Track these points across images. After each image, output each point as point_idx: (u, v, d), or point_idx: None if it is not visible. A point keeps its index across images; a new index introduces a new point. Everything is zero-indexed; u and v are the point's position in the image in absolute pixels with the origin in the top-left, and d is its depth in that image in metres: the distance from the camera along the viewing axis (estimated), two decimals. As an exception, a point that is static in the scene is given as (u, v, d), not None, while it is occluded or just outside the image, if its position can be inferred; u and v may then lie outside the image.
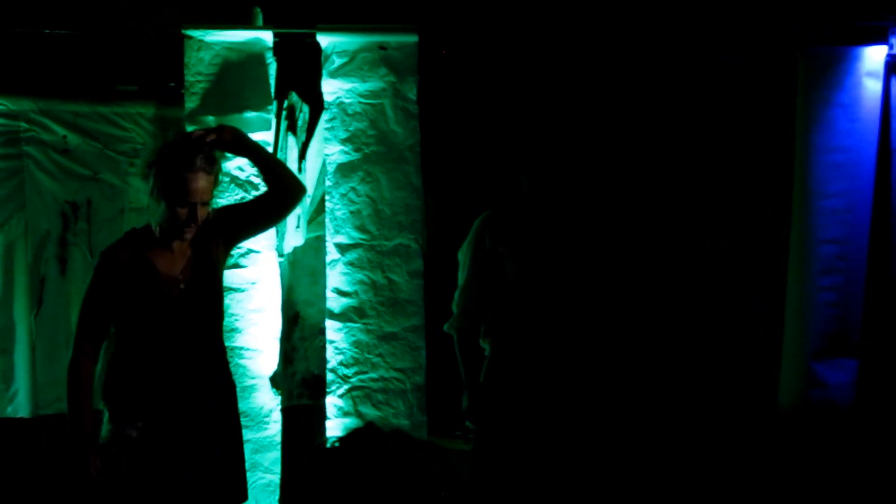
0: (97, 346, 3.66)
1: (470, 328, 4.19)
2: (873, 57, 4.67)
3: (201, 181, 3.57)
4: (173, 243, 3.68)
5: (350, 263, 4.62)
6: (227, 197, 4.53)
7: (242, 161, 4.50)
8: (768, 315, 4.89)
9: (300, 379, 5.12)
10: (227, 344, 4.52)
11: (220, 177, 4.48)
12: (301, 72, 4.77)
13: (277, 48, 4.65)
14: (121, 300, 3.62)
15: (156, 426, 3.62)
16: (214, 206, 4.46)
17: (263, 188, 4.53)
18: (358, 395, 4.59)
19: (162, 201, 3.57)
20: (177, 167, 3.55)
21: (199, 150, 3.60)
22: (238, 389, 4.51)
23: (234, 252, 4.55)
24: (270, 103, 4.65)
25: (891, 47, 4.67)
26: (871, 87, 4.67)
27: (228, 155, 4.49)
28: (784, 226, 4.77)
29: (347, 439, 2.57)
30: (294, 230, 4.88)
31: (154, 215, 3.63)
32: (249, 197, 4.48)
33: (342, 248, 4.63)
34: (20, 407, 4.89)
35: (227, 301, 4.55)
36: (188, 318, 3.69)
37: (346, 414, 4.57)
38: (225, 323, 4.53)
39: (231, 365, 4.52)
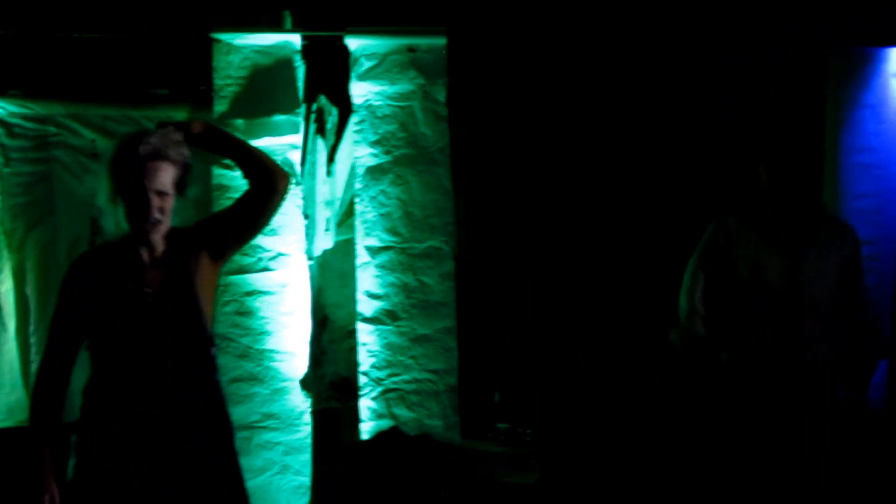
0: (66, 364, 3.37)
1: (702, 336, 4.09)
2: (900, 58, 4.72)
3: (155, 168, 3.25)
4: (143, 252, 3.35)
5: (381, 266, 4.62)
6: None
7: None
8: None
9: (329, 381, 5.12)
10: (257, 347, 4.55)
11: None
12: (330, 74, 4.77)
13: (306, 51, 4.65)
14: (88, 316, 3.33)
15: (126, 460, 3.31)
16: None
17: (292, 191, 4.57)
18: (392, 397, 4.58)
19: (118, 197, 3.30)
20: (130, 156, 3.26)
21: (153, 137, 3.29)
22: (269, 392, 4.56)
23: (264, 255, 4.56)
24: (299, 106, 4.64)
25: (918, 48, 4.72)
26: (898, 88, 4.71)
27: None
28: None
29: (371, 443, 2.57)
30: (323, 233, 4.88)
31: (113, 220, 3.37)
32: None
33: (373, 251, 4.62)
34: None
35: (256, 304, 4.56)
36: (157, 334, 3.34)
37: (379, 416, 4.57)
38: (256, 325, 4.55)
39: (262, 368, 4.55)
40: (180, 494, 3.33)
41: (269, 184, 3.45)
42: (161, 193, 3.27)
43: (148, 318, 3.31)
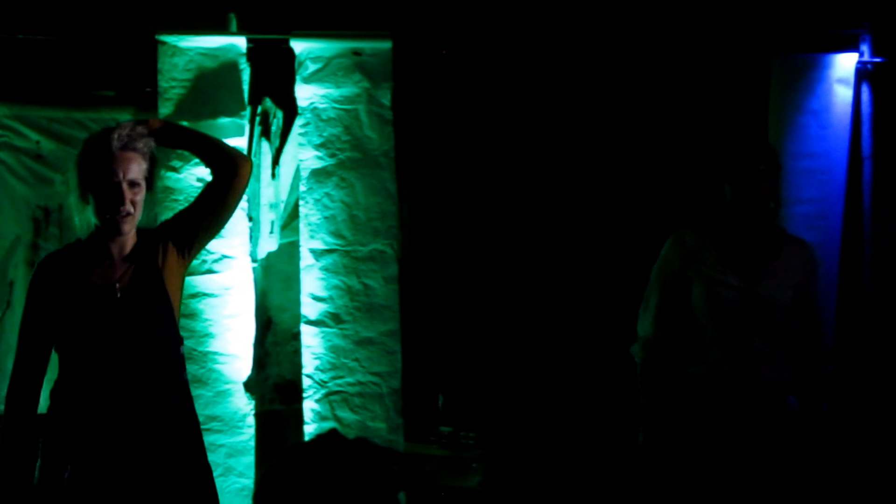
0: (38, 367, 3.35)
1: (658, 354, 4.03)
2: (844, 64, 4.73)
3: (127, 159, 3.28)
4: (112, 248, 3.36)
5: (325, 269, 4.63)
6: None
7: None
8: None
9: (272, 384, 5.12)
10: (201, 349, 4.55)
11: (194, 181, 4.52)
12: (275, 77, 4.77)
13: (251, 54, 4.66)
14: (57, 315, 3.32)
15: (95, 463, 3.28)
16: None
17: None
18: (335, 399, 4.59)
19: (88, 193, 3.30)
20: (98, 151, 3.29)
21: (122, 131, 3.33)
22: (212, 394, 4.55)
23: (208, 258, 4.56)
24: (244, 109, 4.65)
25: (861, 55, 4.74)
26: (842, 94, 4.72)
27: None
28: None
29: (310, 446, 2.56)
30: (268, 235, 4.88)
31: (84, 218, 3.35)
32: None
33: (317, 254, 4.63)
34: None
35: (201, 307, 4.56)
36: (128, 330, 3.32)
37: (323, 419, 4.58)
38: (199, 328, 4.55)
39: (205, 370, 4.55)
40: (152, 494, 3.30)
41: (231, 169, 3.51)
42: (133, 184, 3.30)
43: (118, 314, 3.31)
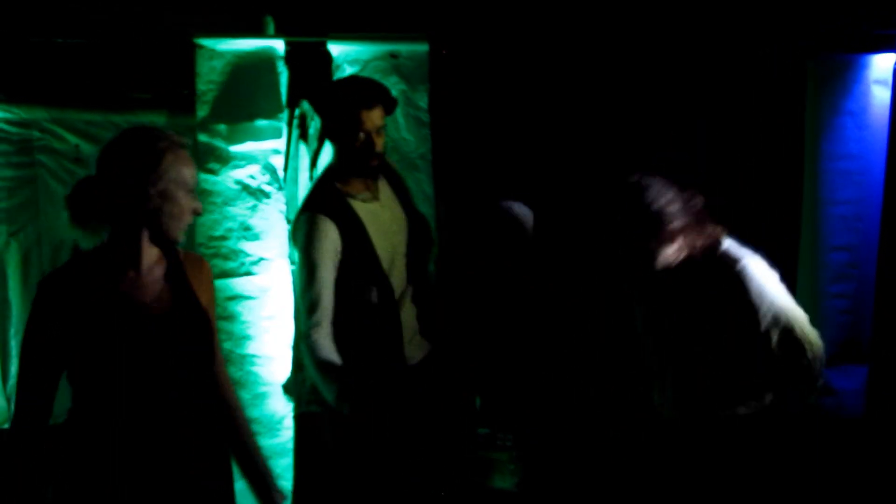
0: (45, 399, 2.89)
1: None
2: (881, 65, 4.73)
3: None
4: (142, 264, 2.95)
5: (361, 270, 4.63)
6: (240, 205, 4.54)
7: (255, 168, 4.54)
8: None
9: (310, 385, 5.12)
10: (239, 352, 4.55)
11: (232, 183, 4.54)
12: (312, 80, 4.78)
13: (289, 57, 4.66)
14: (71, 343, 2.85)
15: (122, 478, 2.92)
16: (223, 212, 4.52)
17: (274, 196, 4.57)
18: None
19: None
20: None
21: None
22: (250, 397, 4.55)
23: (246, 260, 4.57)
24: (282, 111, 4.65)
25: (899, 55, 4.72)
26: (880, 95, 4.72)
27: (241, 162, 4.52)
28: (792, 232, 4.78)
29: None
30: (306, 238, 4.89)
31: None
32: (261, 205, 4.52)
33: (355, 256, 4.63)
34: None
35: (238, 309, 4.56)
36: (167, 363, 2.94)
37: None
38: (237, 330, 4.55)
39: (243, 372, 4.55)
40: None
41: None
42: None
43: (149, 338, 2.92)
